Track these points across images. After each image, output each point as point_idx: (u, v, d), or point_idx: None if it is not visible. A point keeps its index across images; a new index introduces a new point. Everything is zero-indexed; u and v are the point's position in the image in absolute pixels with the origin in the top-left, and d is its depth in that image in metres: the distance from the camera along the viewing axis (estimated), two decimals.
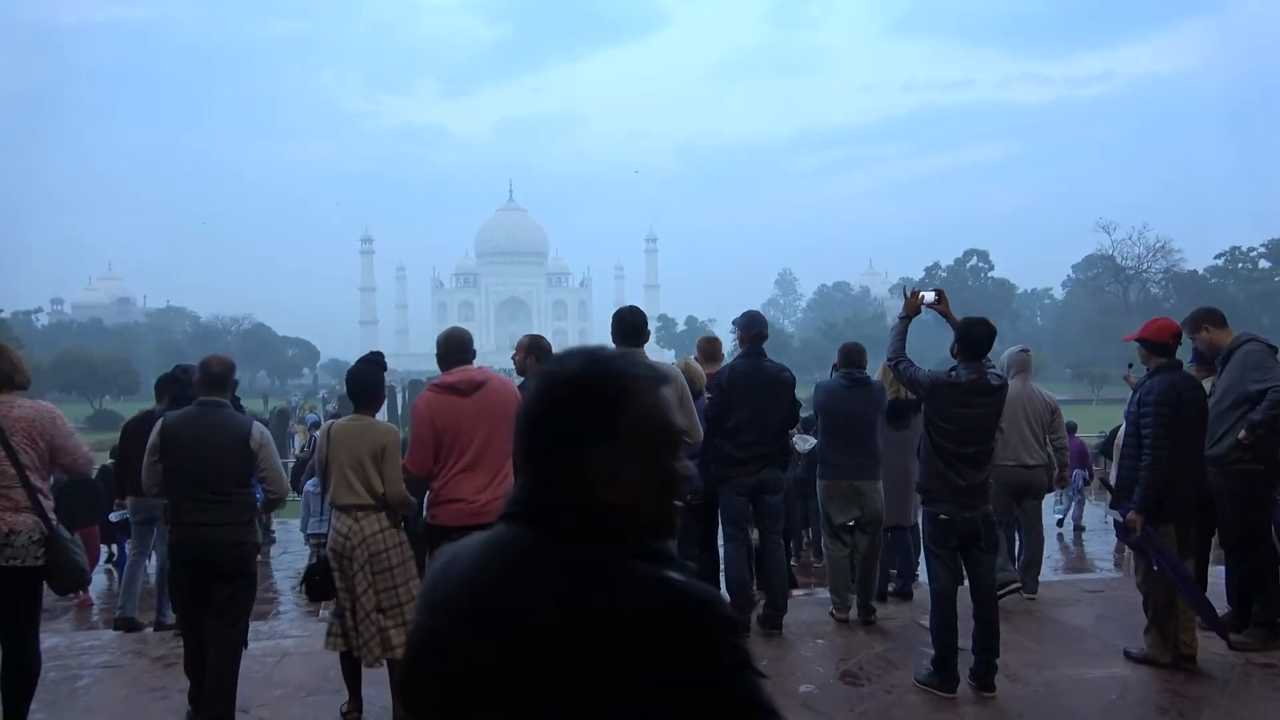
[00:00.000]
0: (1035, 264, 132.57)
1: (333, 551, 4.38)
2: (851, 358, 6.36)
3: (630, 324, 5.09)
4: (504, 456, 4.35)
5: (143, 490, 4.51)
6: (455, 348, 4.62)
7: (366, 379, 4.62)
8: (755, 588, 6.04)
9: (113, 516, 7.23)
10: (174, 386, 5.97)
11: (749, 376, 5.75)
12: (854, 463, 6.03)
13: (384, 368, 4.77)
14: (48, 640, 5.00)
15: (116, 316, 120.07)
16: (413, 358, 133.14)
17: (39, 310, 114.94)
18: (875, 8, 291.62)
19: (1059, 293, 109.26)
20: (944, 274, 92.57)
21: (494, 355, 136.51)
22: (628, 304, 5.75)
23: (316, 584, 4.48)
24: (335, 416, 32.50)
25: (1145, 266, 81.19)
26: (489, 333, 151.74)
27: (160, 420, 4.38)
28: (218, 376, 4.34)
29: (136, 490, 5.74)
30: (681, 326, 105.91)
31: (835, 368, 6.39)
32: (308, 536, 9.44)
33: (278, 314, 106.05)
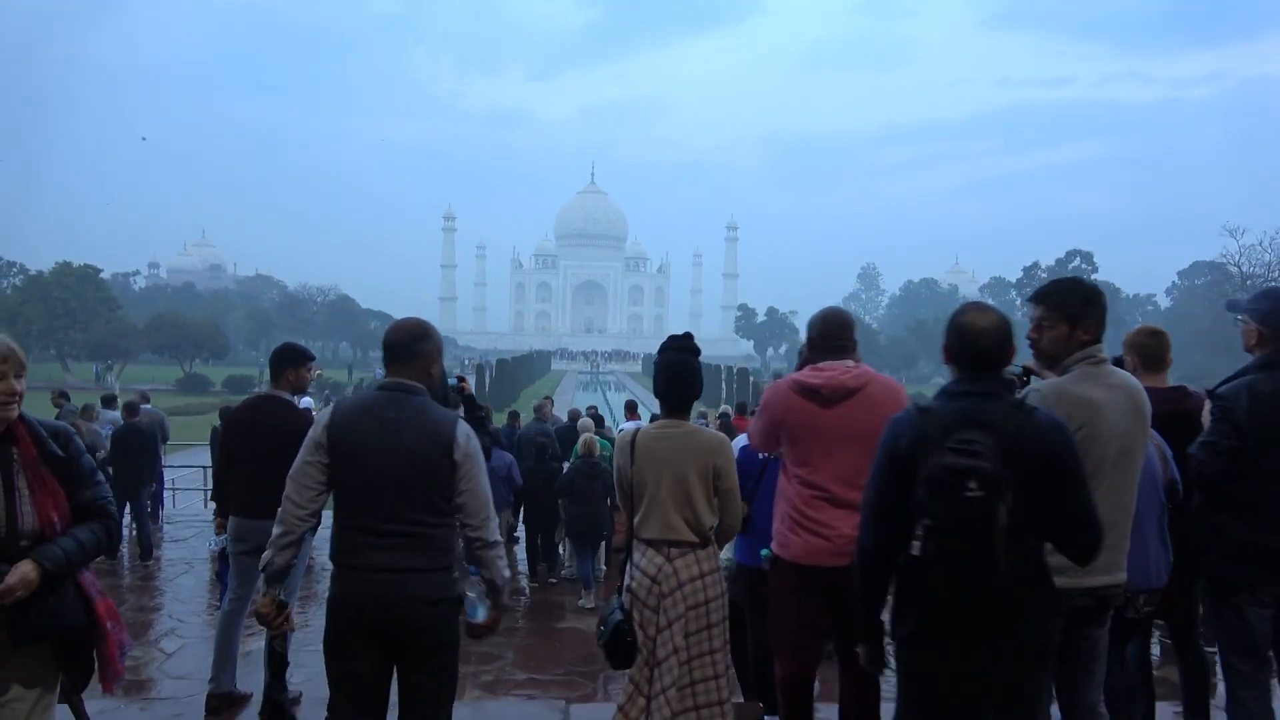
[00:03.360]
0: (1136, 269, 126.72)
1: (634, 599, 3.34)
2: None
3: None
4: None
5: (283, 514, 2.89)
6: (832, 331, 3.38)
7: (687, 372, 3.45)
8: None
9: (212, 544, 5.37)
10: (287, 360, 4.73)
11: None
12: None
13: (698, 353, 3.53)
14: None
15: (208, 282, 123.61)
16: (489, 336, 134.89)
17: (136, 273, 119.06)
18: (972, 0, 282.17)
19: (1162, 299, 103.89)
20: (1044, 274, 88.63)
21: (569, 337, 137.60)
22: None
23: (627, 645, 3.32)
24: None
25: (1277, 275, 75.79)
26: (565, 314, 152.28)
27: (332, 409, 2.98)
28: (402, 348, 2.92)
29: (247, 508, 4.40)
30: (761, 317, 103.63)
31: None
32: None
33: (361, 287, 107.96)
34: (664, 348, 3.49)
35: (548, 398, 11.22)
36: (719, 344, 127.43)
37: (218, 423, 11.09)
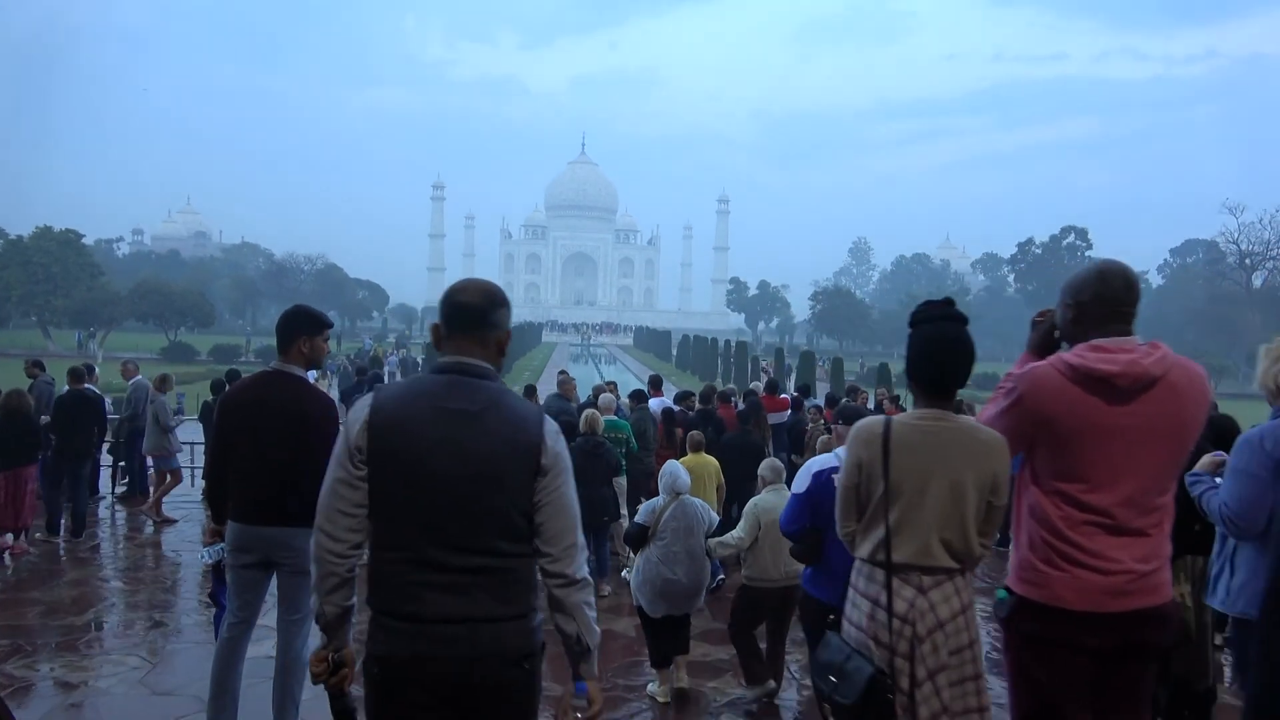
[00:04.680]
0: (1127, 246, 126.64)
1: (877, 643, 2.54)
2: None
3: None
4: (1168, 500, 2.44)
5: (316, 549, 2.17)
6: (1116, 293, 2.44)
7: (960, 347, 2.58)
8: None
9: (205, 555, 4.15)
10: (301, 326, 3.76)
11: None
12: None
13: (966, 321, 2.68)
14: None
15: (193, 250, 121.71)
16: None
17: (120, 239, 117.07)
18: None
19: (1154, 277, 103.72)
20: (1038, 250, 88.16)
21: (558, 309, 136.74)
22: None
23: (886, 706, 2.49)
24: (410, 364, 30.85)
25: (1276, 253, 75.33)
26: (555, 286, 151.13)
27: (372, 400, 2.19)
28: (474, 314, 2.22)
29: (249, 512, 3.63)
30: (753, 291, 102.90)
31: None
32: None
33: (349, 256, 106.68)
34: (925, 315, 2.64)
35: (564, 371, 10.49)
36: (709, 317, 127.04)
37: (210, 396, 10.35)
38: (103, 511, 9.91)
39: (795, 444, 9.29)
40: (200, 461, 12.58)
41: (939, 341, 2.60)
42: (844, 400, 10.96)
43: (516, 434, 2.13)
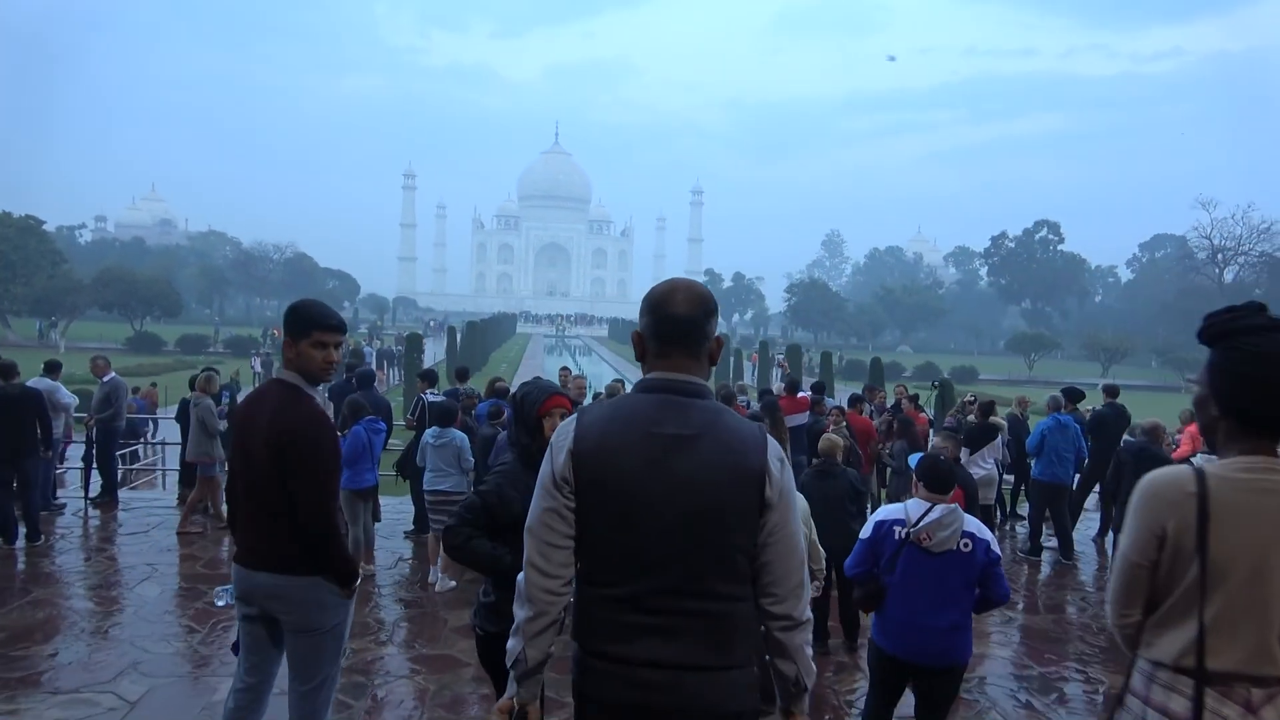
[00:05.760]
0: (1096, 240, 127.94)
1: None
2: None
3: None
4: None
5: (526, 587, 1.97)
6: None
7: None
8: None
9: (219, 596, 3.71)
10: (288, 326, 3.11)
11: None
12: None
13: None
14: None
15: (158, 237, 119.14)
16: (450, 297, 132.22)
17: (82, 226, 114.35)
18: None
19: (1124, 272, 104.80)
20: (1011, 244, 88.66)
21: (530, 300, 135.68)
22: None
23: None
24: (389, 356, 30.08)
25: (1247, 248, 76.17)
26: (527, 276, 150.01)
27: (576, 421, 1.97)
28: (688, 325, 1.96)
29: (247, 553, 3.07)
30: (728, 283, 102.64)
31: None
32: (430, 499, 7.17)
33: (319, 245, 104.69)
34: (1244, 325, 1.92)
35: (566, 368, 9.89)
36: None
37: (189, 393, 9.64)
38: (70, 519, 9.16)
39: (814, 447, 8.81)
40: (173, 464, 11.90)
41: (1273, 361, 1.86)
42: (869, 409, 10.44)
43: (737, 461, 1.88)
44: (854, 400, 9.96)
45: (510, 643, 2.02)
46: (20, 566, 7.33)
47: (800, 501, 4.80)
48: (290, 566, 2.98)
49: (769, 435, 1.95)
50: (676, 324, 1.95)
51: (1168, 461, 7.03)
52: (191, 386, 9.55)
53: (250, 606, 3.09)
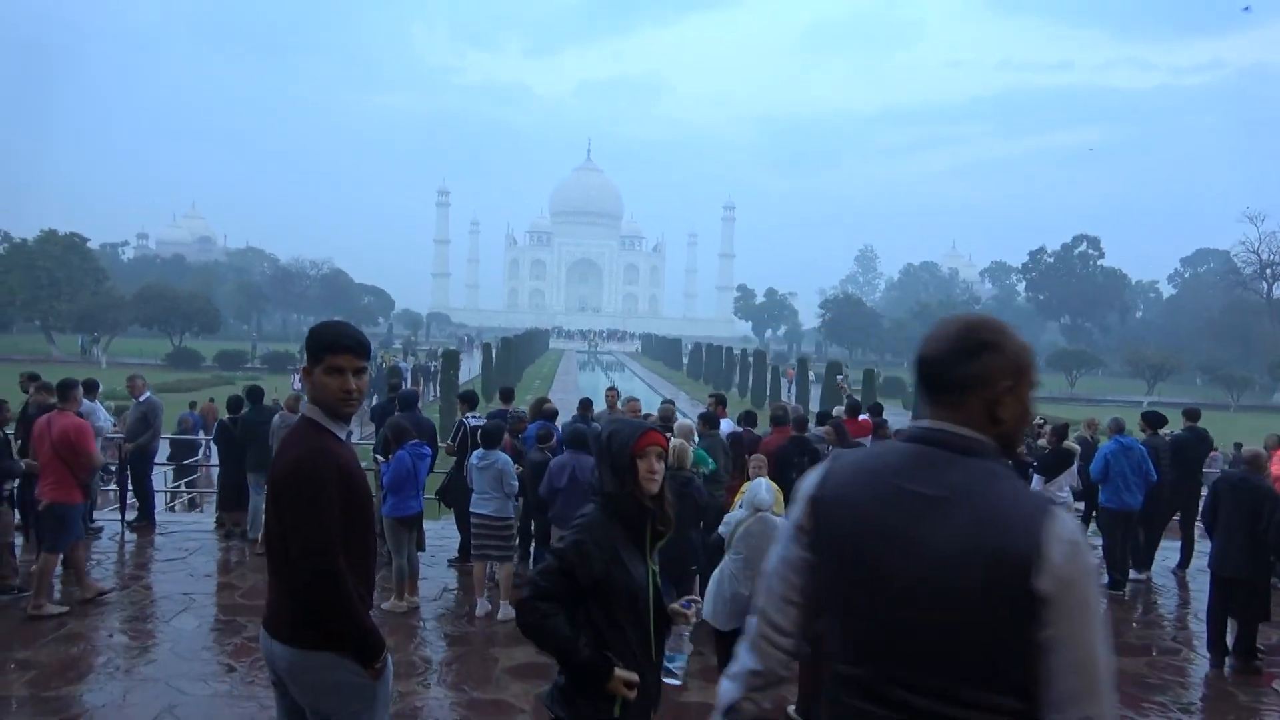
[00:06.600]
0: (1135, 255, 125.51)
1: None
2: None
3: None
4: None
5: (754, 638, 1.78)
6: None
7: None
8: None
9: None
10: (307, 348, 2.69)
11: None
12: None
13: None
14: None
15: (198, 254, 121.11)
16: (483, 313, 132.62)
17: (125, 244, 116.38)
18: None
19: (1165, 287, 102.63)
20: (1050, 259, 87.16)
21: (563, 316, 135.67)
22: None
23: None
24: (425, 372, 30.09)
25: None
26: (560, 292, 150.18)
27: (824, 468, 1.75)
28: (939, 368, 1.63)
29: (268, 617, 2.64)
30: (760, 298, 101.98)
31: None
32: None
33: (354, 261, 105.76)
34: None
35: (613, 389, 9.52)
36: (715, 324, 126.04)
37: (225, 415, 9.40)
38: (106, 543, 8.93)
39: None
40: (208, 484, 11.70)
41: None
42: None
43: (990, 537, 1.46)
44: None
45: (724, 685, 1.78)
46: (55, 595, 7.07)
47: None
48: (298, 636, 2.52)
49: (1055, 510, 1.50)
50: (921, 366, 1.67)
51: (1271, 493, 6.50)
52: (229, 408, 9.31)
53: (271, 671, 2.69)
